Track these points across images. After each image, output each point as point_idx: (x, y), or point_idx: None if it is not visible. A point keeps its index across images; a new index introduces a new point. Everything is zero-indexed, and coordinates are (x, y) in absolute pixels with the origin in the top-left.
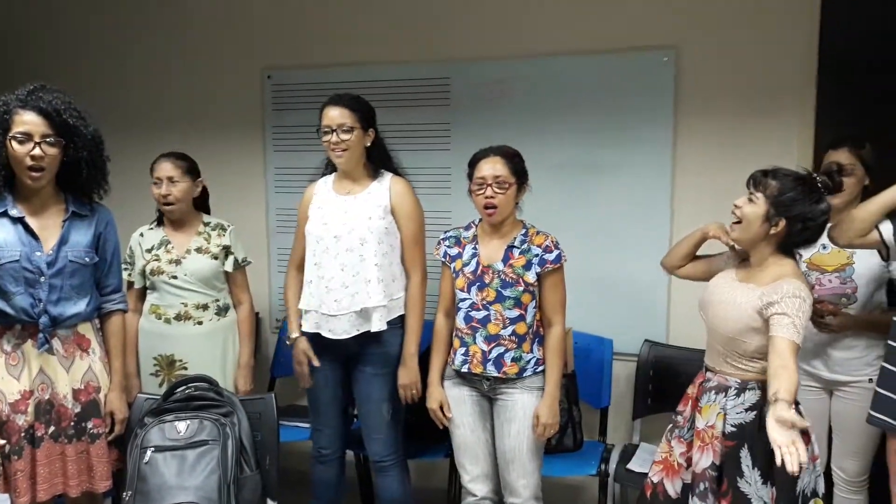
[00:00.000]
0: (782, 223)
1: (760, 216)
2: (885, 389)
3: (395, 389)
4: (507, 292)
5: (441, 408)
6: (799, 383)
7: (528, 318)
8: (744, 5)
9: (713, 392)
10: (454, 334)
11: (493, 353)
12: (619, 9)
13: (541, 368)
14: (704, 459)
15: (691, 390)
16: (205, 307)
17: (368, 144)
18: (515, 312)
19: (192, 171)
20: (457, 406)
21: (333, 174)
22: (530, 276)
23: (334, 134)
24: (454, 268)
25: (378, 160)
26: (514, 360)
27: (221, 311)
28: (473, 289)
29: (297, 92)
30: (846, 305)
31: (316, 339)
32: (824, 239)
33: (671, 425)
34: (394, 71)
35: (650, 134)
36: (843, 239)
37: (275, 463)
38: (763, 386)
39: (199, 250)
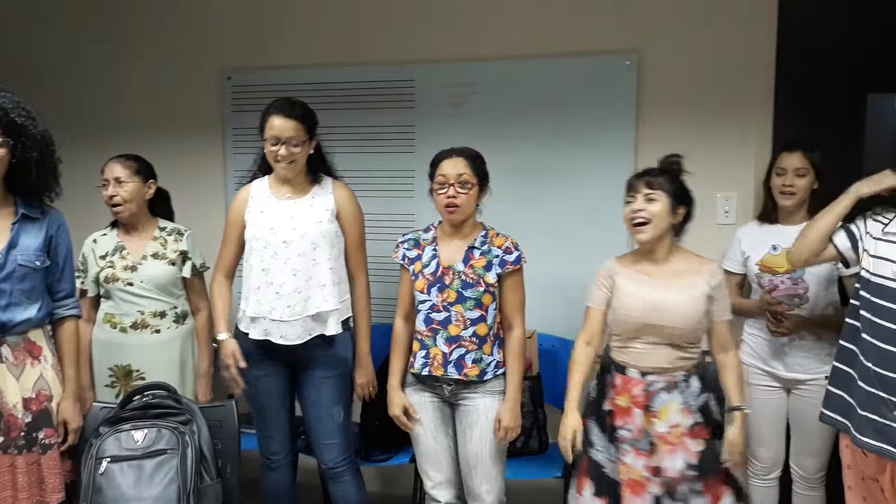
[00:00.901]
0: (682, 210)
1: (667, 209)
2: (836, 388)
3: (347, 392)
4: (467, 293)
5: (405, 412)
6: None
7: (489, 320)
8: (704, 10)
9: (665, 392)
10: (414, 337)
11: (454, 355)
12: (582, 13)
13: (501, 371)
14: (679, 461)
15: (624, 401)
16: (162, 315)
17: (311, 152)
18: (476, 313)
19: (142, 172)
20: (418, 412)
21: (267, 177)
22: (491, 277)
23: (283, 147)
24: (413, 270)
25: (318, 165)
26: (474, 361)
27: (179, 318)
28: (434, 290)
29: (258, 93)
30: (799, 305)
31: (262, 346)
32: (774, 240)
33: (616, 443)
34: (357, 73)
35: (612, 137)
36: (800, 260)
37: (236, 471)
38: (693, 372)
39: (155, 256)
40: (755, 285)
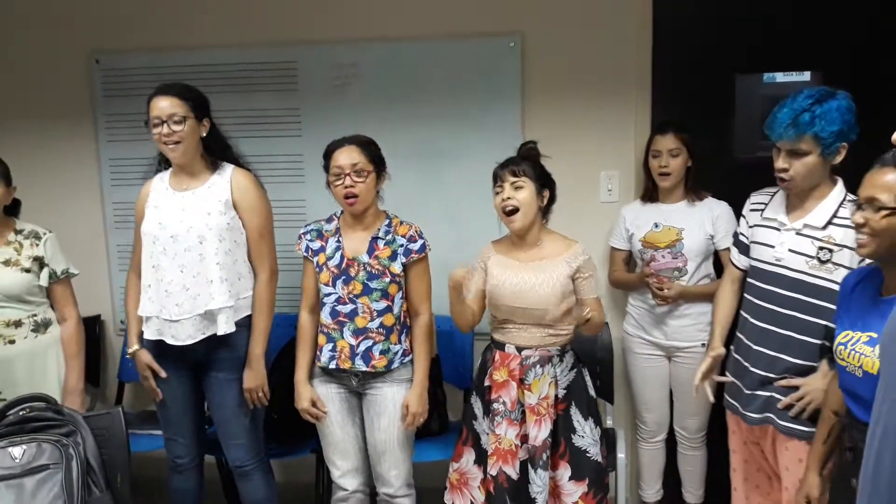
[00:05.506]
0: (547, 193)
1: (534, 194)
2: (731, 374)
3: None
4: (373, 284)
5: (315, 404)
6: (604, 316)
7: (396, 310)
8: None
9: (538, 366)
10: (319, 330)
11: (362, 347)
12: None
13: (408, 359)
14: (543, 431)
15: (500, 376)
16: (17, 324)
17: (204, 135)
18: (383, 304)
19: (6, 175)
20: (325, 404)
21: (170, 170)
22: (396, 267)
23: (165, 125)
24: (317, 262)
25: (216, 151)
26: (382, 352)
27: (40, 326)
28: (339, 282)
29: (131, 77)
30: (679, 278)
31: (161, 346)
32: (656, 218)
33: (490, 415)
34: (237, 54)
35: (500, 118)
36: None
37: (127, 480)
38: (572, 349)
39: (6, 263)
40: (639, 260)
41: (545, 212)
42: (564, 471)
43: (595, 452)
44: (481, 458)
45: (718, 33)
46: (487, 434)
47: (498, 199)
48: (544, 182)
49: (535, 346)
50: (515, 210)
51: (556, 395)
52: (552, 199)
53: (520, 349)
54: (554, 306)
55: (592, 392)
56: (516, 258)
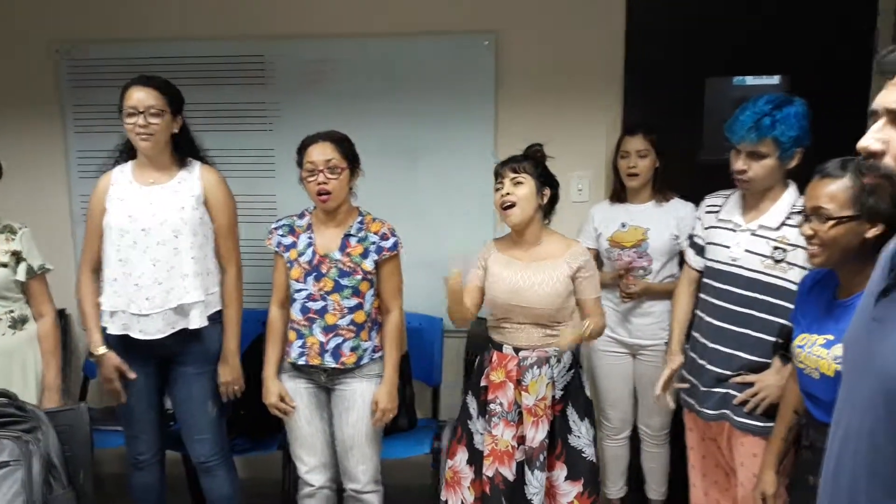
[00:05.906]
0: (548, 191)
1: (533, 191)
2: (688, 373)
3: (219, 386)
4: (344, 281)
5: (283, 399)
6: (605, 326)
7: (367, 307)
8: None
9: (535, 367)
10: (290, 326)
11: (331, 344)
12: None
13: (378, 355)
14: (540, 432)
15: (497, 377)
16: None
17: (176, 131)
18: (353, 301)
19: None
20: (293, 399)
21: (130, 162)
22: (368, 264)
23: (141, 117)
24: (288, 258)
25: (184, 148)
26: (352, 349)
27: (17, 323)
28: (310, 279)
29: (99, 68)
30: (643, 276)
31: (126, 341)
32: (623, 218)
33: (487, 416)
34: (207, 47)
35: (473, 117)
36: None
37: (89, 477)
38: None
39: None
40: (605, 259)
41: (547, 212)
42: (560, 471)
43: (590, 453)
44: (473, 458)
45: (690, 37)
46: (482, 434)
47: (497, 195)
48: (545, 181)
49: (532, 347)
50: (513, 205)
51: (554, 396)
52: (554, 199)
53: (517, 350)
54: (554, 306)
55: (588, 392)
56: (516, 256)
